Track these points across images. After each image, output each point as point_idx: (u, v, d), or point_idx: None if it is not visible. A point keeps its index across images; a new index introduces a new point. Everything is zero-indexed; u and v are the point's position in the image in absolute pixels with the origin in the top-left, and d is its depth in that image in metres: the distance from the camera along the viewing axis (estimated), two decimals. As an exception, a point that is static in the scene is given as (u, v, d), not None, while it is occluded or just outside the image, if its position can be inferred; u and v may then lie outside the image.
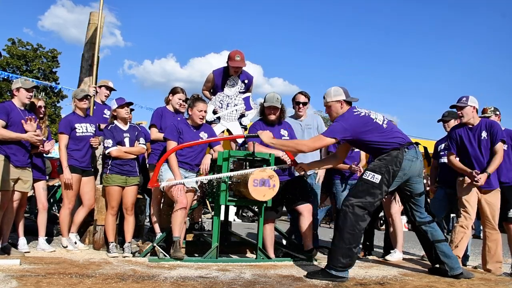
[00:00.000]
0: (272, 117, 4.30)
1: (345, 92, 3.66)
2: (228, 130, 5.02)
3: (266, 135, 3.77)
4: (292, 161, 4.05)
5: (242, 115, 5.05)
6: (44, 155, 4.74)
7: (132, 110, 5.19)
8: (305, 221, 4.20)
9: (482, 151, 4.22)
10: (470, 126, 4.30)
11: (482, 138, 4.23)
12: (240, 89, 5.03)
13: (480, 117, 4.40)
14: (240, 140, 4.98)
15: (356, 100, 3.72)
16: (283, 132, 4.35)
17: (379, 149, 3.52)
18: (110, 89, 5.52)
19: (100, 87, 5.46)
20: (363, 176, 3.49)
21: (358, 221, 3.37)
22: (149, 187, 4.08)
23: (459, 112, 4.30)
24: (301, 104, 4.90)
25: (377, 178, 3.42)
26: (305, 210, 4.19)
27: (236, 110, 4.97)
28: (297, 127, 4.79)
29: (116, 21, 55.78)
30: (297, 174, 4.38)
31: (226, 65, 4.96)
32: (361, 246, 5.11)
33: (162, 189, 4.17)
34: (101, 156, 5.09)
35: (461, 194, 4.29)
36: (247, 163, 4.06)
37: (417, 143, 3.66)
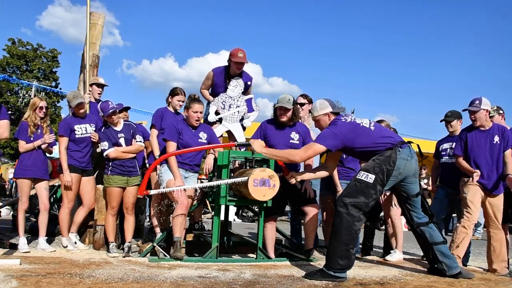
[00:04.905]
0: (284, 118, 4.26)
1: (331, 104, 3.70)
2: (229, 131, 5.00)
3: (257, 143, 3.69)
4: (284, 169, 3.99)
5: (243, 117, 5.03)
6: (47, 154, 4.75)
7: (127, 109, 5.16)
8: (310, 222, 4.21)
9: (492, 155, 4.25)
10: (482, 129, 4.31)
11: (495, 142, 4.26)
12: (241, 90, 5.02)
13: None
14: (240, 142, 4.96)
15: (343, 110, 3.76)
16: (294, 135, 4.30)
17: (371, 152, 3.53)
18: (101, 85, 5.49)
19: (91, 85, 5.43)
20: (357, 176, 3.48)
21: (354, 221, 3.37)
22: (139, 195, 4.02)
23: (472, 116, 4.30)
24: (298, 105, 4.91)
25: (370, 177, 3.41)
26: (312, 211, 4.20)
27: (238, 111, 4.96)
28: None
29: (115, 20, 55.82)
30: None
31: (227, 64, 4.95)
32: (360, 246, 5.10)
33: (162, 190, 4.17)
34: (97, 156, 5.06)
35: (465, 195, 4.29)
36: (247, 163, 4.06)
37: (409, 142, 3.65)
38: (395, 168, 3.43)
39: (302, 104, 4.98)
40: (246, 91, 5.08)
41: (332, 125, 3.58)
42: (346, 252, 3.34)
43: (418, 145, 3.81)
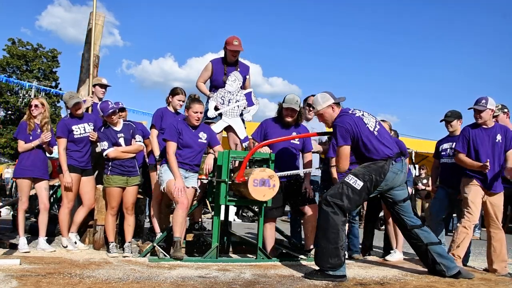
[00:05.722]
0: (289, 119, 4.31)
1: (331, 96, 3.71)
2: (229, 127, 4.97)
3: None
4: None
5: (243, 111, 5.00)
6: (47, 154, 4.74)
7: (123, 109, 5.15)
8: (310, 222, 4.21)
9: (494, 153, 4.26)
10: (485, 127, 4.33)
11: (497, 141, 4.28)
12: (240, 84, 4.97)
13: None
14: (242, 137, 4.93)
15: (344, 100, 3.76)
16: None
17: (367, 157, 3.55)
18: (104, 86, 5.48)
19: (94, 86, 5.43)
20: (346, 179, 3.50)
21: (340, 220, 3.39)
22: (237, 181, 3.91)
23: (477, 115, 4.32)
24: (311, 107, 4.90)
25: (358, 184, 3.43)
26: (311, 211, 4.20)
27: (238, 106, 4.93)
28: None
29: (115, 20, 55.86)
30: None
31: (223, 54, 4.90)
32: (360, 246, 5.10)
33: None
34: (96, 156, 5.05)
35: (466, 195, 4.29)
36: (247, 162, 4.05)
37: (404, 155, 3.67)
38: (384, 179, 3.47)
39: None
40: (244, 82, 5.04)
41: (340, 120, 3.58)
42: (335, 250, 3.35)
43: (412, 160, 3.84)
